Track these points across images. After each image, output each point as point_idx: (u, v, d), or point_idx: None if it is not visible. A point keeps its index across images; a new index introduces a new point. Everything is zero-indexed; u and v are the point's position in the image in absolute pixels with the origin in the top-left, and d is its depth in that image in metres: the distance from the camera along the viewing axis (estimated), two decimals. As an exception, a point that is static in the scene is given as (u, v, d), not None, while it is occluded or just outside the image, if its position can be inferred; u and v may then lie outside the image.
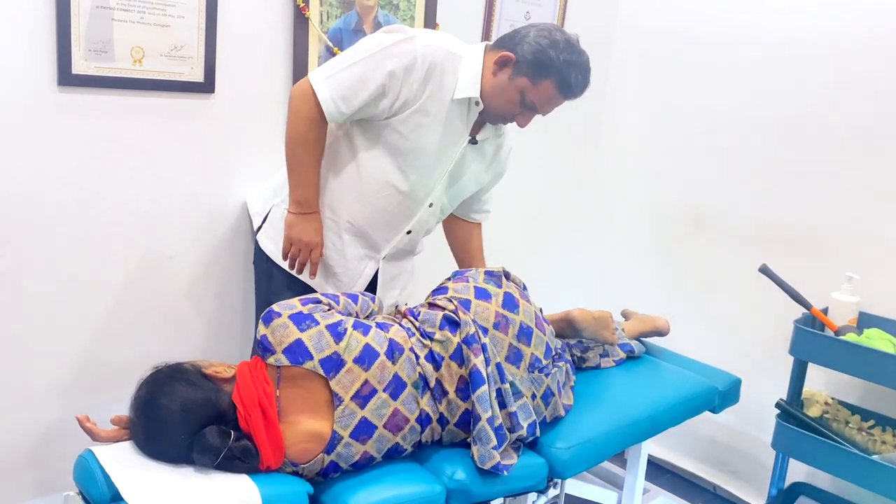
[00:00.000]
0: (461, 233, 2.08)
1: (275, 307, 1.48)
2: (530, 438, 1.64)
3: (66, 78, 1.68)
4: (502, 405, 1.57)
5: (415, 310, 1.66)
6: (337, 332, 1.46)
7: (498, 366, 1.58)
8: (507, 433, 1.56)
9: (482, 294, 1.66)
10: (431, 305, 1.65)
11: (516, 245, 2.78)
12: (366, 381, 1.45)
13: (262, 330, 1.45)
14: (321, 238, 1.76)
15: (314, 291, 1.75)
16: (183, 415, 1.36)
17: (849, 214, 2.26)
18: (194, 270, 1.98)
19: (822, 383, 2.29)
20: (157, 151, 1.85)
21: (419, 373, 1.53)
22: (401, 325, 1.59)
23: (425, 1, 2.24)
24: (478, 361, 1.53)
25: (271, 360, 1.42)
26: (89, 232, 1.81)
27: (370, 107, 1.66)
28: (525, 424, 1.59)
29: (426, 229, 1.90)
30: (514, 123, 1.77)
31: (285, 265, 1.80)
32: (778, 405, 2.17)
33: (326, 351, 1.42)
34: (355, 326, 1.50)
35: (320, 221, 1.77)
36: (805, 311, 2.16)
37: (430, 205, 1.81)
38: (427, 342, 1.56)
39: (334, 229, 1.80)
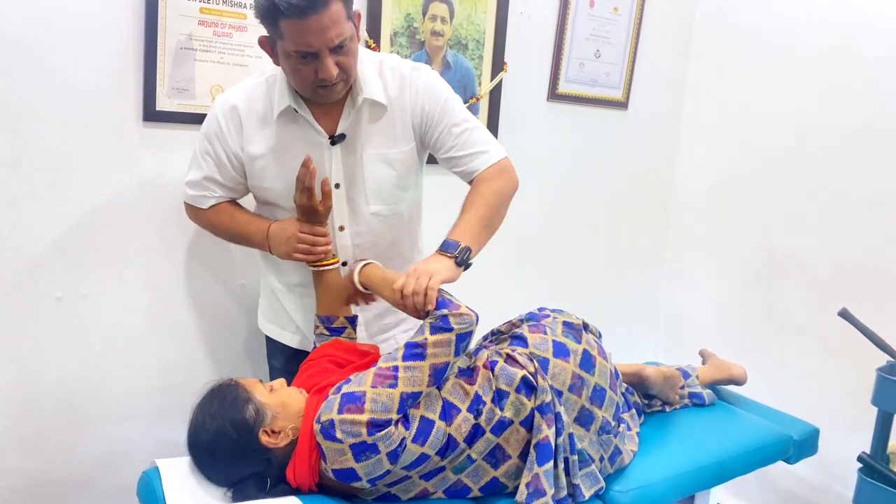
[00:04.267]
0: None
1: (337, 427, 1.30)
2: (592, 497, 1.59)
3: (151, 114, 1.79)
4: (567, 473, 1.52)
5: (492, 358, 1.56)
6: (396, 455, 1.35)
7: (570, 435, 1.53)
8: (570, 500, 1.52)
9: (560, 351, 1.59)
10: (510, 359, 1.55)
11: (587, 283, 2.75)
12: (405, 476, 1.41)
13: (318, 437, 1.34)
14: (297, 223, 1.57)
15: (300, 354, 1.68)
16: (224, 476, 1.40)
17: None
18: (263, 299, 2.05)
19: (910, 437, 2.14)
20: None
21: (469, 456, 1.47)
22: (475, 396, 1.47)
23: (493, 41, 2.28)
24: (550, 433, 1.47)
25: (322, 464, 1.37)
26: (164, 260, 1.91)
27: (223, 178, 1.62)
28: (588, 495, 1.54)
29: (370, 248, 1.69)
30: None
31: (272, 334, 1.80)
32: (860, 459, 2.03)
33: (378, 472, 1.35)
34: (417, 435, 1.37)
35: (281, 226, 1.60)
36: (890, 358, 2.04)
37: (341, 228, 1.64)
38: (498, 412, 1.48)
39: (284, 298, 1.76)
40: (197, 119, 1.84)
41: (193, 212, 1.70)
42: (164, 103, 1.80)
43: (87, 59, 1.72)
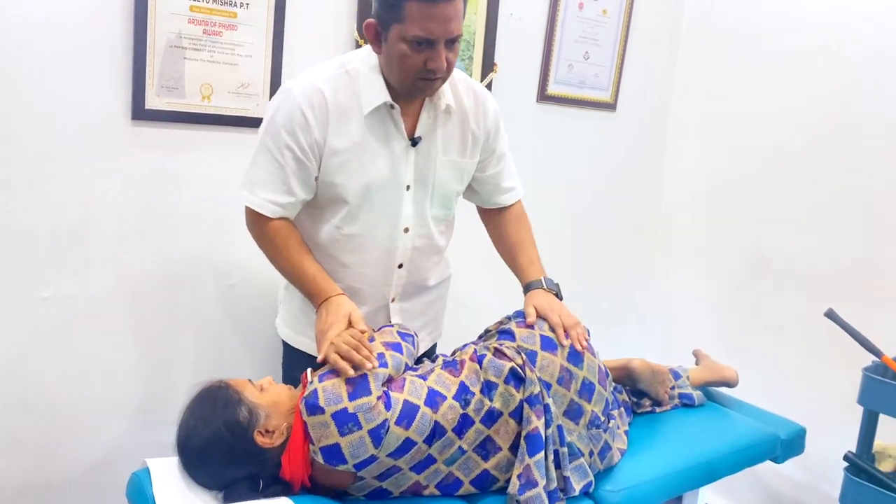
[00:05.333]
0: (496, 223, 1.87)
1: (320, 398, 1.34)
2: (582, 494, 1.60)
3: (140, 112, 1.78)
4: (557, 466, 1.53)
5: (480, 352, 1.58)
6: (378, 436, 1.35)
7: (559, 427, 1.54)
8: (561, 494, 1.53)
9: (548, 344, 1.61)
10: (498, 352, 1.58)
11: (576, 285, 2.74)
12: (393, 466, 1.42)
13: (304, 416, 1.36)
14: (347, 320, 1.48)
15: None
16: (217, 479, 1.40)
17: (923, 259, 2.17)
18: (254, 299, 2.04)
19: (895, 436, 2.16)
20: (221, 184, 1.93)
21: (459, 447, 1.48)
22: (461, 385, 1.49)
23: (483, 42, 2.29)
24: (539, 424, 1.49)
25: (310, 448, 1.38)
26: (153, 259, 1.90)
27: (305, 175, 1.54)
28: (578, 488, 1.55)
29: (426, 250, 1.71)
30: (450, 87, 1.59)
31: (301, 346, 1.73)
32: (846, 458, 2.05)
33: (363, 456, 1.36)
34: (400, 417, 1.39)
35: (341, 304, 1.52)
36: (875, 358, 2.06)
37: (406, 230, 1.64)
38: (487, 402, 1.50)
39: None
40: (186, 118, 1.84)
41: (262, 222, 1.57)
42: (153, 102, 1.79)
43: (76, 57, 1.70)
